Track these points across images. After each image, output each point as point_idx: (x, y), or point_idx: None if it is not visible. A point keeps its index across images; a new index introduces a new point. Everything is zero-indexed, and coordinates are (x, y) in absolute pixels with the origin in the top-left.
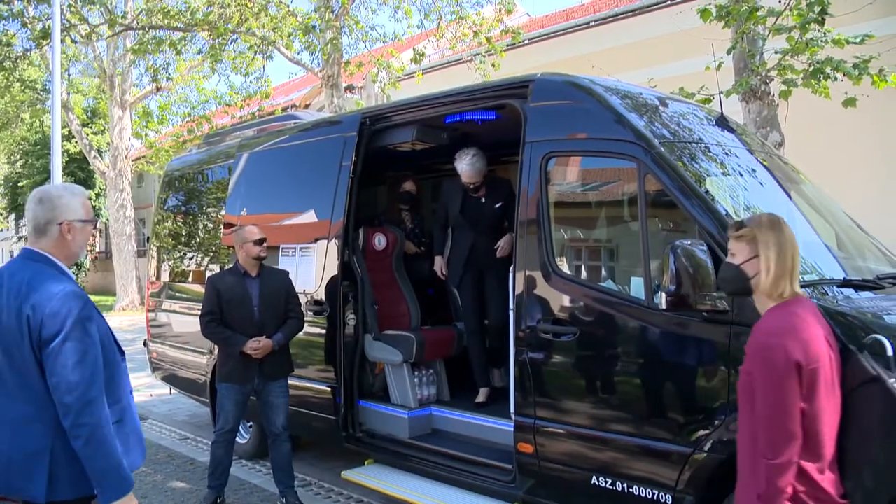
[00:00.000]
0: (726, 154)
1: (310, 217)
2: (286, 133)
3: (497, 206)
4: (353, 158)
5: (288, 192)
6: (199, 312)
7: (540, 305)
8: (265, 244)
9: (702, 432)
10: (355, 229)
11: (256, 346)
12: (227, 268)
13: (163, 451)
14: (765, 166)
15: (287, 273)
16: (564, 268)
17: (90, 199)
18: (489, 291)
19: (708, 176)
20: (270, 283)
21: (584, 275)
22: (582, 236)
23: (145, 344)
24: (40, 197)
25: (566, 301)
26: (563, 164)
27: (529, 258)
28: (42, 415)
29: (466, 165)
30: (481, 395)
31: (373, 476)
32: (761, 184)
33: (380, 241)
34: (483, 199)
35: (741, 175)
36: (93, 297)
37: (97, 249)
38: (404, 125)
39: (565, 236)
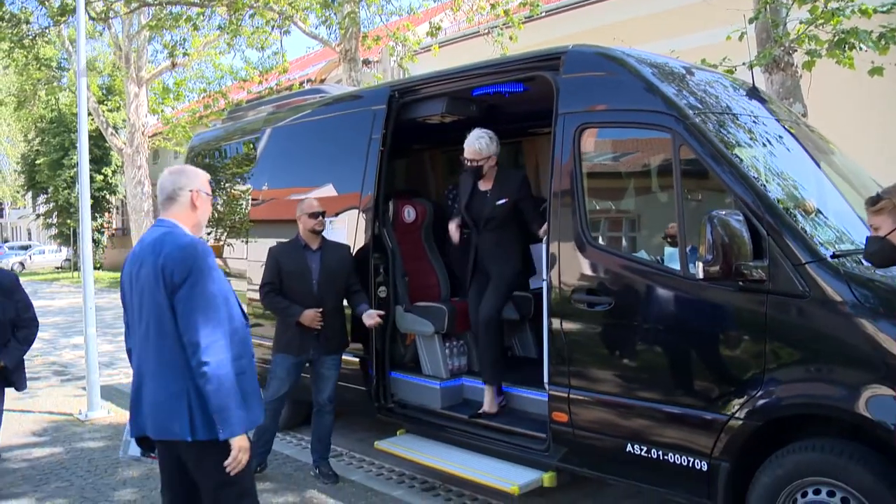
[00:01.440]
0: (756, 123)
1: (340, 190)
2: (313, 107)
3: (501, 202)
4: (383, 132)
5: (316, 166)
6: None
7: (574, 276)
8: (322, 218)
9: (738, 400)
10: (385, 202)
11: (313, 315)
12: (289, 240)
13: None
14: (794, 135)
15: (349, 248)
16: (599, 238)
17: (106, 175)
18: (488, 287)
19: (741, 146)
20: (331, 258)
21: (618, 245)
22: (616, 207)
23: None
24: (170, 169)
25: (601, 271)
26: (597, 135)
27: (563, 229)
28: (178, 359)
29: (469, 141)
30: (487, 403)
31: (405, 446)
32: (792, 153)
33: (409, 213)
34: (488, 195)
35: (772, 144)
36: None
37: (114, 226)
38: (434, 98)
39: (599, 207)
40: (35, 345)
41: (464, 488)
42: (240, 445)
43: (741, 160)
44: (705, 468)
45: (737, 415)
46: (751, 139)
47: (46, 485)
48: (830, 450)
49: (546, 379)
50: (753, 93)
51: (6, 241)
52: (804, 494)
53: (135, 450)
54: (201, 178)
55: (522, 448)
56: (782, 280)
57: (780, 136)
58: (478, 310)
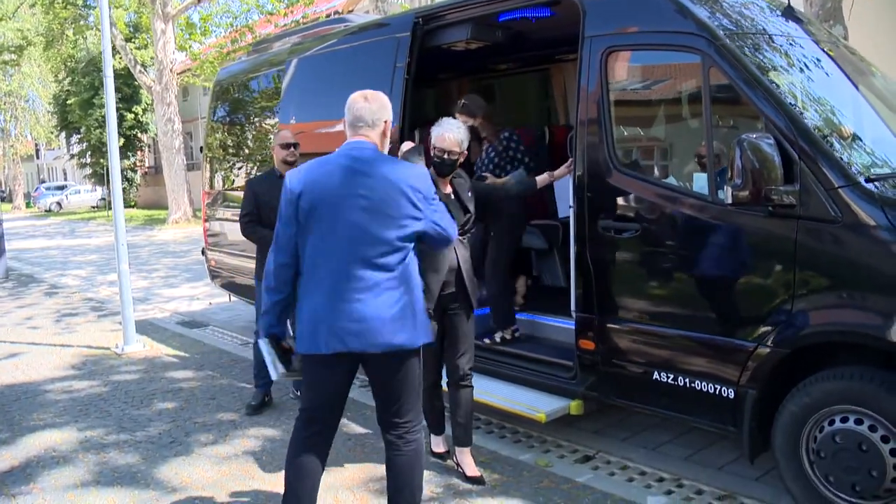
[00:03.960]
0: (792, 45)
1: None
2: (336, 36)
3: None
4: (407, 59)
5: (340, 97)
6: None
7: (601, 202)
8: (294, 149)
9: (765, 328)
10: (410, 131)
11: None
12: (265, 171)
13: (227, 357)
14: (832, 58)
15: None
16: (626, 164)
17: (136, 114)
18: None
19: (774, 68)
20: None
21: (645, 171)
22: (644, 132)
23: (203, 252)
24: (366, 95)
25: (628, 197)
26: (624, 58)
27: (590, 155)
28: (400, 276)
29: (448, 128)
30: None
31: None
32: (829, 76)
33: None
34: (451, 198)
35: (808, 67)
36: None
37: (147, 164)
38: (458, 24)
39: (626, 133)
40: (73, 282)
41: (492, 416)
42: None
43: (774, 83)
44: (732, 396)
45: (764, 342)
46: (785, 61)
47: (87, 416)
48: (860, 377)
49: (573, 307)
50: (790, 13)
51: (43, 181)
52: (831, 423)
53: (281, 368)
54: (390, 108)
55: (550, 376)
56: (813, 205)
57: (818, 59)
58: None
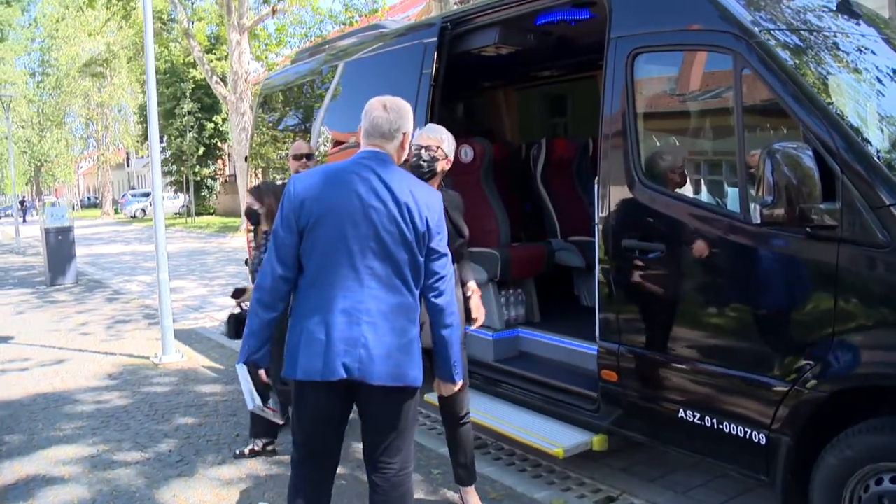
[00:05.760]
0: (844, 40)
1: None
2: (369, 43)
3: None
4: (434, 66)
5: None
6: None
7: (625, 220)
8: (307, 160)
9: (801, 366)
10: None
11: None
12: (283, 182)
13: None
14: None
15: None
16: (652, 178)
17: (217, 124)
18: None
19: (818, 67)
20: None
21: (673, 185)
22: (672, 142)
23: (246, 263)
24: (384, 103)
25: (653, 215)
26: (651, 61)
27: (614, 168)
28: (410, 303)
29: (429, 127)
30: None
31: None
32: (888, 75)
33: (466, 153)
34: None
35: (861, 65)
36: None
37: (227, 172)
38: (487, 27)
39: (654, 143)
40: (136, 288)
41: (515, 447)
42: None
43: (814, 84)
44: (763, 441)
45: (800, 383)
46: (833, 60)
47: (106, 428)
48: None
49: (597, 333)
50: (845, 7)
51: (132, 188)
52: (878, 482)
53: (258, 401)
54: (411, 119)
55: (573, 407)
56: (858, 226)
57: (874, 55)
58: None
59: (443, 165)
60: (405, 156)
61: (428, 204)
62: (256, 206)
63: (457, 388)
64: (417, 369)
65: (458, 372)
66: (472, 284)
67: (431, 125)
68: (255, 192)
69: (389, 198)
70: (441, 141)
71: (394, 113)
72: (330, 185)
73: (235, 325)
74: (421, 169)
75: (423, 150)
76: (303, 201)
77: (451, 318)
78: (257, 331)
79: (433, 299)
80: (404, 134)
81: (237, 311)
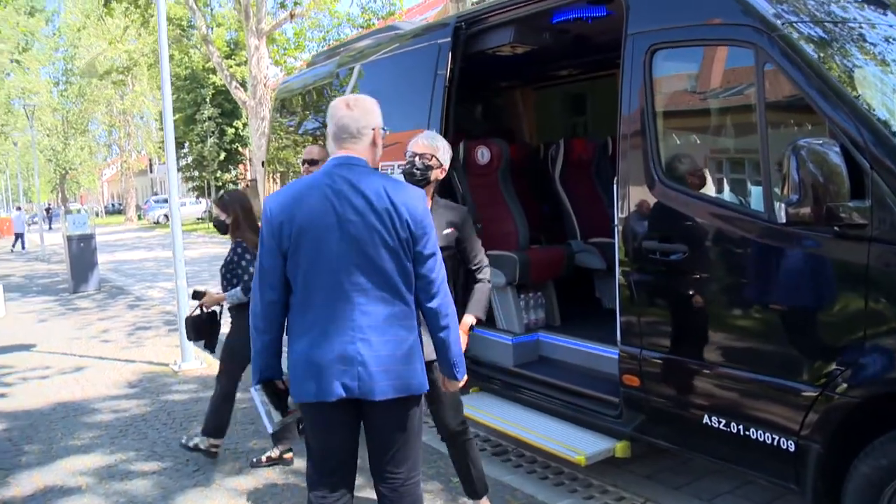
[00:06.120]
0: (872, 31)
1: (405, 131)
2: (384, 45)
3: (447, 231)
4: (449, 66)
5: (383, 106)
6: None
7: (645, 221)
8: (309, 166)
9: (831, 371)
10: (455, 143)
11: None
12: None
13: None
14: None
15: None
16: (673, 178)
17: (237, 129)
18: None
19: (845, 61)
20: None
21: (694, 185)
22: (693, 141)
23: None
24: (348, 102)
25: (674, 215)
26: (670, 57)
27: (633, 168)
28: (403, 311)
29: (424, 133)
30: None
31: (475, 406)
32: None
33: (483, 154)
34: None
35: (894, 61)
36: None
37: (248, 177)
38: (501, 26)
39: (674, 141)
40: (157, 294)
41: (537, 454)
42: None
43: (840, 78)
44: (792, 449)
45: (830, 388)
46: (859, 51)
47: (124, 437)
48: None
49: (618, 337)
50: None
51: (155, 194)
52: None
53: (277, 417)
54: (378, 112)
55: (594, 413)
56: (889, 224)
57: None
58: None
59: (437, 174)
60: (380, 153)
61: (407, 205)
62: (223, 217)
63: (460, 385)
64: (420, 375)
65: (461, 370)
66: (467, 321)
67: (429, 132)
68: (220, 203)
69: (367, 208)
70: (436, 149)
71: (358, 110)
72: (304, 204)
73: (193, 328)
74: (414, 177)
75: (416, 158)
76: (280, 224)
77: (447, 319)
78: (261, 350)
79: (426, 304)
80: (373, 129)
81: (197, 312)
